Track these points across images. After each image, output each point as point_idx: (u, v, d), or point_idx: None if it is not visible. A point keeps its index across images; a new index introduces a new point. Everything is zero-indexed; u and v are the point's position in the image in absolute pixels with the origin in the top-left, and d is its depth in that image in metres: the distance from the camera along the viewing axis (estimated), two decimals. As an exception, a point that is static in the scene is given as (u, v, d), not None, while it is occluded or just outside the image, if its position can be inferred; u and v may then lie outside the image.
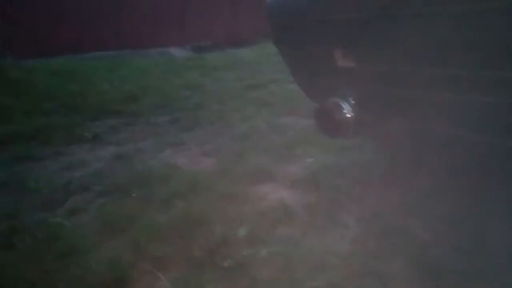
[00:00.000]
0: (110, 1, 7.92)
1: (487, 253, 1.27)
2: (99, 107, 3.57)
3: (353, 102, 1.26)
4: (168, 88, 4.21)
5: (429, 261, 1.29)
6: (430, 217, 1.51)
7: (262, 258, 1.35)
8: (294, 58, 1.53)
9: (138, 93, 3.93)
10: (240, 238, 1.46)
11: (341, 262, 1.29)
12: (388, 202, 1.63)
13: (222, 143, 2.60)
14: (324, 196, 1.73)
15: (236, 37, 8.92)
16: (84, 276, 1.33)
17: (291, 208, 1.68)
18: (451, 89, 1.00)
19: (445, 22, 0.88)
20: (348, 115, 1.26)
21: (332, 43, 1.18)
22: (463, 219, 1.46)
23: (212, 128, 2.95)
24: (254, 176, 2.01)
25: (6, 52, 5.07)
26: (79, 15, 7.65)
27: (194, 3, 9.06)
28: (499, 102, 0.92)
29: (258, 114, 3.14)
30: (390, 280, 1.22)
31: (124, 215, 1.67)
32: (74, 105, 3.61)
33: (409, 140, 1.91)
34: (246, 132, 2.73)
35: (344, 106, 1.25)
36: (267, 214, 1.64)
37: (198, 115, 3.26)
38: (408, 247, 1.36)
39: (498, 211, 1.46)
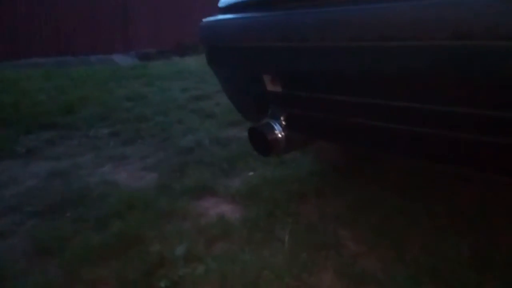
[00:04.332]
0: (47, 1, 7.55)
1: (407, 262, 1.37)
2: (33, 119, 3.41)
3: (284, 122, 1.32)
4: (109, 99, 4.10)
5: (357, 271, 1.37)
6: (360, 228, 1.60)
7: (199, 276, 1.37)
8: (226, 79, 1.57)
9: (76, 104, 3.79)
10: (177, 257, 1.47)
11: (275, 276, 1.34)
12: (321, 215, 1.71)
13: (164, 157, 2.58)
14: (263, 210, 1.77)
15: (183, 45, 8.86)
16: (11, 305, 1.27)
17: (231, 224, 1.71)
18: (373, 115, 1.08)
19: (358, 54, 0.96)
20: (279, 135, 1.31)
21: (260, 68, 1.24)
22: (390, 228, 1.56)
23: (154, 141, 2.92)
24: (195, 192, 2.02)
25: None
26: (13, 17, 7.23)
27: (139, 8, 8.89)
28: (414, 128, 1.01)
29: (201, 126, 3.16)
30: (321, 292, 1.29)
31: (56, 237, 1.61)
32: (5, 117, 3.41)
33: (341, 154, 2.03)
34: (188, 145, 2.73)
35: (275, 126, 1.31)
36: (206, 231, 1.66)
37: (140, 127, 3.21)
38: (339, 259, 1.44)
39: (421, 220, 1.60)
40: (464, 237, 1.45)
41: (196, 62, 6.55)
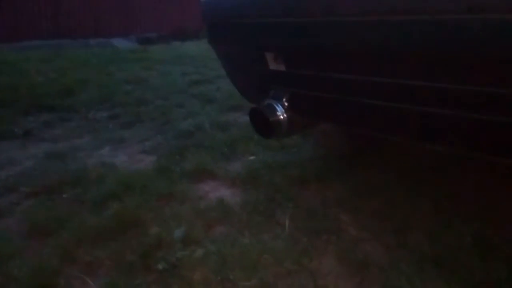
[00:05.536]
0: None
1: (410, 248, 1.34)
2: (32, 101, 3.37)
3: (286, 103, 1.28)
4: (108, 82, 4.05)
5: (358, 256, 1.34)
6: (362, 214, 1.57)
7: (197, 259, 1.34)
8: (227, 58, 1.52)
9: (75, 87, 3.75)
10: (175, 239, 1.44)
11: (275, 260, 1.31)
12: (322, 200, 1.68)
13: (163, 140, 2.54)
14: (263, 195, 1.74)
15: (184, 30, 8.76)
16: (5, 285, 1.25)
17: (230, 207, 1.68)
18: (378, 94, 1.04)
19: (370, 29, 0.91)
20: (281, 117, 1.27)
21: (262, 45, 1.19)
22: (393, 214, 1.54)
23: (154, 125, 2.88)
24: (195, 175, 1.99)
25: None
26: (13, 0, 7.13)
27: (140, -7, 8.77)
28: (425, 109, 0.97)
29: (202, 111, 3.11)
30: (321, 276, 1.26)
31: (53, 218, 1.59)
32: (3, 98, 3.37)
33: (344, 138, 1.99)
34: (188, 129, 2.69)
35: (277, 107, 1.27)
36: (205, 214, 1.63)
37: (139, 111, 3.17)
38: (339, 243, 1.41)
39: (425, 206, 1.57)
40: (468, 224, 1.42)
41: (197, 47, 6.47)
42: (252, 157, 2.20)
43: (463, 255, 1.28)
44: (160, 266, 1.30)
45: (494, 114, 0.82)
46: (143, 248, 1.38)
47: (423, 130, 1.05)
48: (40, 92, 3.58)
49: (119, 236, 1.47)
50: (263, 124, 1.31)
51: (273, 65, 1.20)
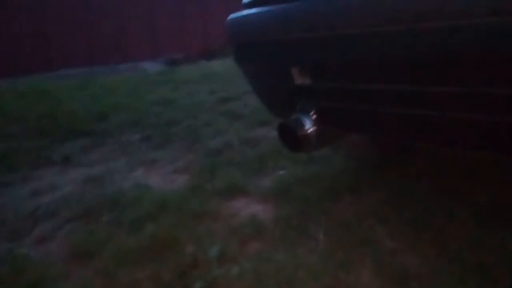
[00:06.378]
0: (78, 14, 7.79)
1: (450, 257, 1.30)
2: (68, 127, 3.51)
3: (314, 116, 1.28)
4: (139, 105, 4.18)
5: (396, 268, 1.31)
6: (397, 224, 1.54)
7: (233, 276, 1.35)
8: (253, 75, 1.55)
9: (108, 111, 3.88)
10: (211, 257, 1.46)
11: (311, 275, 1.31)
12: (356, 211, 1.66)
13: (194, 159, 2.59)
14: (295, 209, 1.74)
15: (209, 49, 8.94)
16: (51, 308, 1.30)
17: (263, 223, 1.68)
18: (403, 103, 1.03)
19: (393, 40, 0.91)
20: (309, 130, 1.28)
21: (288, 61, 1.21)
22: (430, 224, 1.50)
23: (184, 144, 2.94)
24: (226, 192, 2.01)
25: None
26: (46, 30, 7.50)
27: (164, 15, 9.05)
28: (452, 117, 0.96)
29: (230, 128, 3.15)
30: (359, 291, 1.24)
31: (93, 241, 1.64)
32: (42, 126, 3.54)
33: (374, 149, 1.96)
34: (218, 146, 2.73)
35: (304, 121, 1.28)
36: (238, 231, 1.64)
37: (170, 131, 3.24)
38: (376, 256, 1.38)
39: (462, 214, 1.52)
40: (510, 229, 1.36)
41: (222, 65, 6.58)
42: (282, 172, 2.20)
43: (507, 262, 1.23)
44: (197, 285, 1.32)
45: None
46: (180, 267, 1.41)
47: (456, 136, 1.02)
48: (76, 119, 3.73)
49: (156, 256, 1.50)
50: (291, 138, 1.31)
51: (299, 80, 1.21)
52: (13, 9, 6.93)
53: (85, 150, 3.05)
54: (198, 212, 1.81)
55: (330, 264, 1.36)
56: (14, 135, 3.35)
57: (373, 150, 1.98)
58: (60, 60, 7.53)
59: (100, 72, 6.93)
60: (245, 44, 1.40)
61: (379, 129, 1.25)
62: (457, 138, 1.04)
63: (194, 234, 1.62)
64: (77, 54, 7.75)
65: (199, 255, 1.47)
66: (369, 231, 1.52)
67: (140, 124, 3.55)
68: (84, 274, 1.46)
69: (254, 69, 1.49)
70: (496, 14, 0.74)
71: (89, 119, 3.72)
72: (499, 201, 1.55)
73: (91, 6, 7.88)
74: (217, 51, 8.32)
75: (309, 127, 1.29)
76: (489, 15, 0.75)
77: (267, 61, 1.33)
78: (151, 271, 1.41)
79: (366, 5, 0.92)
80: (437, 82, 0.89)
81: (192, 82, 5.42)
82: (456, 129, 1.00)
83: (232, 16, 1.48)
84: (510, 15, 0.73)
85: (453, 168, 1.85)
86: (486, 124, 0.91)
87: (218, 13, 8.88)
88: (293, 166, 2.24)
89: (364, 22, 0.92)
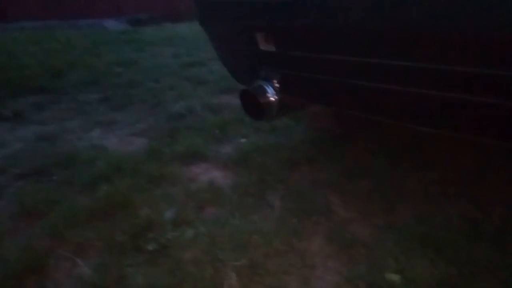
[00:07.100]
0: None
1: (397, 228, 1.36)
2: (21, 83, 3.32)
3: (277, 85, 1.27)
4: (98, 64, 3.99)
5: (347, 236, 1.36)
6: (351, 196, 1.59)
7: (188, 239, 1.35)
8: (218, 39, 1.50)
9: (65, 69, 3.70)
10: (166, 220, 1.45)
11: (264, 241, 1.33)
12: (313, 181, 1.69)
13: (155, 123, 2.53)
14: (254, 177, 1.75)
15: (176, 10, 8.60)
16: (-5, 266, 1.25)
17: (221, 189, 1.69)
18: (369, 76, 1.03)
19: (360, 12, 0.90)
20: (272, 98, 1.27)
21: (252, 25, 1.17)
22: (382, 196, 1.55)
23: (145, 107, 2.86)
24: (186, 157, 1.99)
25: None
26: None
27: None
28: (406, 90, 0.97)
29: (193, 93, 3.09)
30: (310, 256, 1.28)
31: (43, 199, 1.58)
32: (-9, 80, 3.32)
33: (335, 121, 1.99)
34: (180, 111, 2.67)
35: (268, 89, 1.26)
36: (196, 196, 1.63)
37: (130, 93, 3.14)
38: (328, 224, 1.43)
39: (413, 188, 1.59)
40: (455, 205, 1.44)
41: (189, 29, 6.38)
42: (243, 140, 2.20)
43: (449, 235, 1.30)
44: (150, 247, 1.31)
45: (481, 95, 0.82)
46: (133, 229, 1.39)
47: (414, 111, 1.05)
48: (29, 74, 3.53)
49: (110, 217, 1.47)
50: (253, 106, 1.30)
51: (263, 46, 1.19)
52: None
53: (38, 107, 2.90)
54: (155, 175, 1.78)
55: (283, 230, 1.38)
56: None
57: (333, 122, 2.00)
58: (15, 11, 7.01)
59: (58, 26, 6.52)
60: (209, 4, 1.34)
61: (339, 101, 1.26)
62: (415, 114, 1.06)
63: (150, 197, 1.60)
64: (32, 7, 7.23)
65: (153, 217, 1.45)
66: (323, 201, 1.55)
67: (98, 83, 3.41)
68: (32, 232, 1.41)
69: (218, 32, 1.44)
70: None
71: (44, 75, 3.53)
72: (447, 177, 1.63)
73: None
74: (185, 13, 8.02)
75: (272, 95, 1.28)
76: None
77: (231, 24, 1.28)
78: (103, 232, 1.38)
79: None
80: (405, 56, 0.90)
81: (156, 44, 5.23)
82: (414, 105, 1.02)
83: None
84: None
85: (409, 143, 1.91)
86: (441, 101, 0.93)
87: (187, -26, 8.52)
88: (255, 134, 2.24)
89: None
